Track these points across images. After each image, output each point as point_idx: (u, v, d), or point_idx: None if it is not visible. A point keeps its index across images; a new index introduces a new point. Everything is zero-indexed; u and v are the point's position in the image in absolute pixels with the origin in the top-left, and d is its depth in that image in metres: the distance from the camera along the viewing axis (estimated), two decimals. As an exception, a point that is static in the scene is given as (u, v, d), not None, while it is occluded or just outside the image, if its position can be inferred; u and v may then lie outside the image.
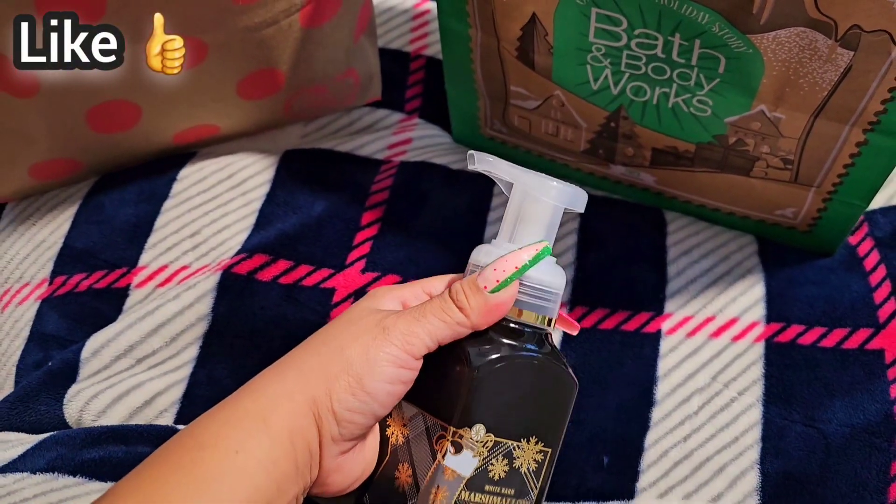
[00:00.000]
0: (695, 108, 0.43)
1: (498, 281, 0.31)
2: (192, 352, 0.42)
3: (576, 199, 0.34)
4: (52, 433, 0.38)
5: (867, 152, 0.41)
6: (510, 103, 0.49)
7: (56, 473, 0.36)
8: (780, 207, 0.47)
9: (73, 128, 0.45)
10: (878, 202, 0.50)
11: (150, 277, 0.45)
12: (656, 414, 0.42)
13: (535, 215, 0.33)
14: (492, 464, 0.33)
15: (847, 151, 0.41)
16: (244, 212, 0.48)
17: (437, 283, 0.35)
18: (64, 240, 0.47)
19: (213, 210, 0.48)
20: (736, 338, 0.45)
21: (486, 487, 0.33)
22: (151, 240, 0.46)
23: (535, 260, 0.32)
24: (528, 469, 0.33)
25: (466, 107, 0.51)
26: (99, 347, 0.42)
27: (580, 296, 0.46)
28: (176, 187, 0.48)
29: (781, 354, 0.44)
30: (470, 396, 0.32)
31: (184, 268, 0.45)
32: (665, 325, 0.45)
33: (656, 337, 0.45)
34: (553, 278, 0.33)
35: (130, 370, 0.41)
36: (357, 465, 0.32)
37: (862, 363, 0.43)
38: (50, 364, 0.41)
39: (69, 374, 0.41)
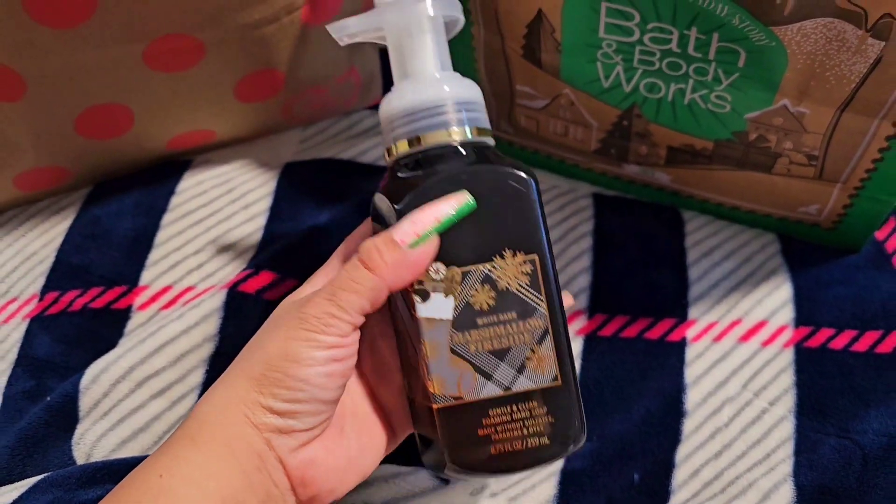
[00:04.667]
0: (713, 105, 0.40)
1: (417, 235, 0.29)
2: (198, 377, 0.40)
3: (450, 3, 0.32)
4: (46, 475, 0.36)
5: (897, 146, 0.38)
6: (516, 103, 0.46)
7: None
8: (803, 205, 0.45)
9: (61, 134, 0.43)
10: (905, 195, 0.48)
11: (154, 299, 0.43)
12: (687, 426, 0.40)
13: (418, 39, 0.32)
14: (472, 296, 0.31)
15: (875, 146, 0.39)
16: (249, 227, 0.46)
17: (357, 238, 0.34)
18: (57, 254, 0.45)
19: (216, 226, 0.46)
20: (765, 343, 0.43)
21: (479, 321, 0.31)
22: (152, 256, 0.45)
23: (460, 213, 0.30)
24: (519, 285, 0.31)
25: (472, 108, 0.49)
26: (98, 373, 0.39)
27: (599, 302, 0.44)
28: (174, 201, 0.46)
29: (812, 361, 0.42)
30: None
31: (189, 289, 0.43)
32: (690, 333, 0.43)
33: (681, 345, 0.43)
34: (443, 92, 0.31)
35: (131, 396, 0.39)
36: (336, 455, 0.30)
37: (896, 368, 0.41)
38: (49, 399, 0.39)
39: (70, 409, 0.39)
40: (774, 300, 0.44)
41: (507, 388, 0.31)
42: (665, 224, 0.48)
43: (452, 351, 0.30)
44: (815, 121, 0.39)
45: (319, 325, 0.29)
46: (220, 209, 0.46)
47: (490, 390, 0.31)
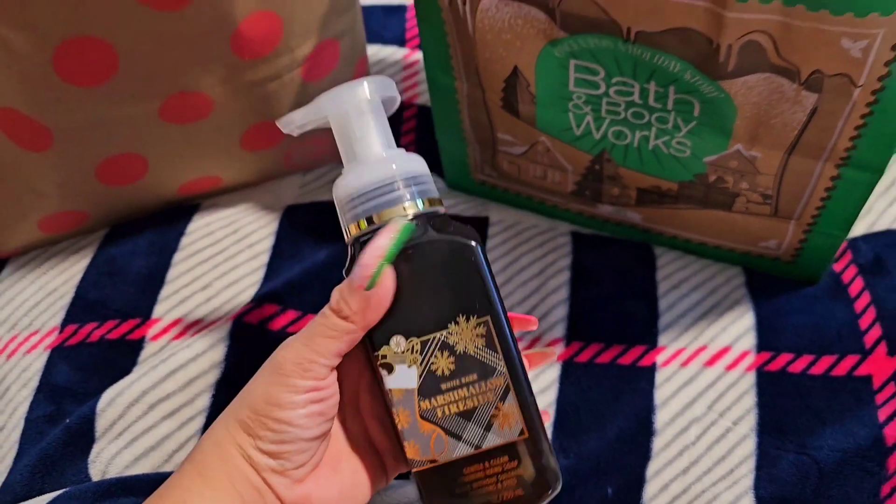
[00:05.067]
0: (674, 150, 0.44)
1: (369, 275, 0.31)
2: (205, 401, 0.43)
3: (384, 84, 0.34)
4: (65, 489, 0.39)
5: (841, 186, 0.42)
6: (498, 149, 0.51)
7: None
8: (763, 240, 0.49)
9: (82, 181, 0.47)
10: (859, 230, 0.52)
11: (166, 330, 0.47)
12: (657, 444, 0.43)
13: (360, 123, 0.33)
14: (433, 363, 0.32)
15: (822, 186, 0.43)
16: (253, 265, 0.50)
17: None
18: (76, 290, 0.48)
19: (223, 263, 0.50)
20: (729, 367, 0.46)
21: (443, 386, 0.32)
22: (164, 292, 0.48)
23: (399, 241, 0.31)
24: (476, 348, 0.32)
25: (457, 153, 0.53)
26: (114, 397, 0.43)
27: (575, 331, 0.48)
28: (184, 241, 0.51)
29: (773, 383, 0.45)
30: None
31: (198, 321, 0.47)
32: (659, 359, 0.47)
33: (651, 369, 0.46)
34: (391, 170, 0.32)
35: (143, 418, 0.42)
36: (330, 490, 0.33)
37: (850, 389, 0.45)
38: (68, 421, 0.42)
39: (87, 430, 0.42)
40: (738, 328, 0.48)
41: (478, 447, 0.32)
42: (638, 259, 0.52)
43: (422, 417, 0.32)
44: (766, 163, 0.43)
45: (298, 371, 0.31)
46: (226, 248, 0.50)
47: (462, 450, 0.32)
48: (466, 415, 0.33)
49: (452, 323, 0.32)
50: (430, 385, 0.32)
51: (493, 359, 0.33)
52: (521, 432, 0.33)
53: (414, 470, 0.33)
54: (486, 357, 0.33)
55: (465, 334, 0.32)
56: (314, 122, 0.34)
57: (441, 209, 0.34)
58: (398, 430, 0.33)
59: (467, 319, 0.32)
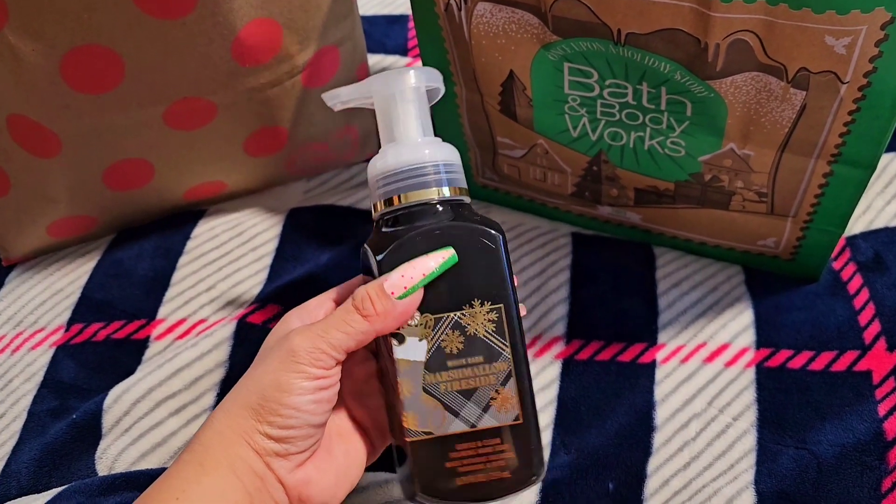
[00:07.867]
0: (669, 149, 0.45)
1: (406, 287, 0.33)
2: (210, 399, 0.44)
3: (431, 74, 0.36)
4: (70, 484, 0.40)
5: (834, 182, 0.43)
6: (498, 153, 0.51)
7: None
8: (761, 238, 0.49)
9: (90, 186, 0.48)
10: (858, 227, 0.52)
11: (170, 330, 0.48)
12: (657, 439, 0.44)
13: (403, 108, 0.35)
14: (444, 340, 0.34)
15: (815, 182, 0.43)
16: (256, 267, 0.51)
17: (351, 287, 0.37)
18: (82, 290, 0.50)
19: (227, 265, 0.51)
20: (728, 363, 0.47)
21: (449, 363, 0.34)
22: (169, 293, 0.49)
23: (443, 267, 0.34)
24: (486, 332, 0.34)
25: (458, 158, 0.54)
26: (120, 394, 0.44)
27: (576, 329, 0.48)
28: (190, 244, 0.52)
29: (772, 379, 0.46)
30: None
31: (201, 321, 0.48)
32: (659, 356, 0.47)
33: (651, 367, 0.47)
34: (423, 155, 0.34)
35: (150, 414, 0.43)
36: (328, 472, 0.34)
37: (850, 385, 0.45)
38: (74, 417, 0.43)
39: (94, 426, 0.43)
40: (737, 325, 0.48)
41: (473, 426, 0.34)
42: (637, 259, 0.52)
43: (424, 390, 0.34)
44: (759, 161, 0.43)
45: (309, 359, 0.32)
46: (230, 251, 0.51)
47: (457, 427, 0.34)
48: (467, 393, 0.34)
49: (468, 305, 0.34)
50: (437, 360, 0.34)
51: (500, 344, 0.34)
52: (517, 418, 0.34)
53: (408, 439, 0.34)
54: (494, 342, 0.34)
55: (477, 318, 0.34)
56: (358, 100, 0.36)
57: (466, 199, 0.36)
58: (399, 399, 0.34)
59: (482, 304, 0.34)
